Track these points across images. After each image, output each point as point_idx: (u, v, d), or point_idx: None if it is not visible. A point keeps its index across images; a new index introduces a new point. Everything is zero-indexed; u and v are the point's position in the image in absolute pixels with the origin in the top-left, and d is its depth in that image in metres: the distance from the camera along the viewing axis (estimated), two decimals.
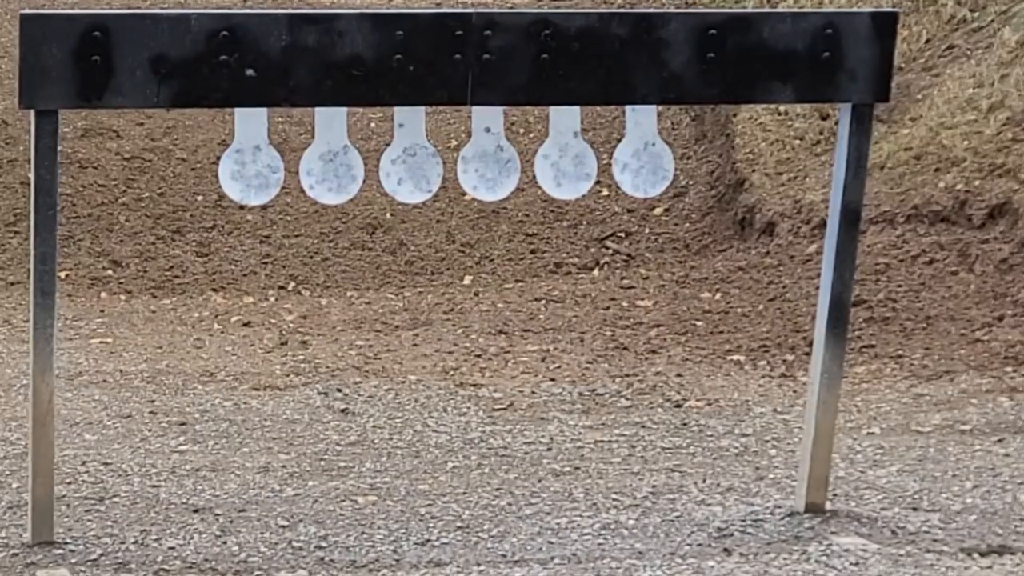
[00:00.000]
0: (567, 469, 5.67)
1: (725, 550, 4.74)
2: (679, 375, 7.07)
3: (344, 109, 4.67)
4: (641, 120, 4.81)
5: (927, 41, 9.20)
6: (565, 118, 4.78)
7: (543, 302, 8.25)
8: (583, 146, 4.80)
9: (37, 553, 4.64)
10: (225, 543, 4.79)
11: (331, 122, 4.68)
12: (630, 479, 5.51)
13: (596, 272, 8.81)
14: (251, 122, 4.63)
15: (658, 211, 9.19)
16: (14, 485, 5.34)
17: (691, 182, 9.32)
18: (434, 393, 6.76)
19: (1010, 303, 7.40)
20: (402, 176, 4.72)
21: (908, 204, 8.11)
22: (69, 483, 5.38)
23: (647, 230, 9.10)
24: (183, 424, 6.27)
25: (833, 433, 5.03)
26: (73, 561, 4.60)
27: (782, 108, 9.11)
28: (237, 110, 4.63)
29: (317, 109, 4.67)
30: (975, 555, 4.72)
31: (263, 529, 4.92)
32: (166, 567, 4.58)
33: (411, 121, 4.72)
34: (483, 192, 4.78)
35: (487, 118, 4.74)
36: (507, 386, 6.91)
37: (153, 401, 6.62)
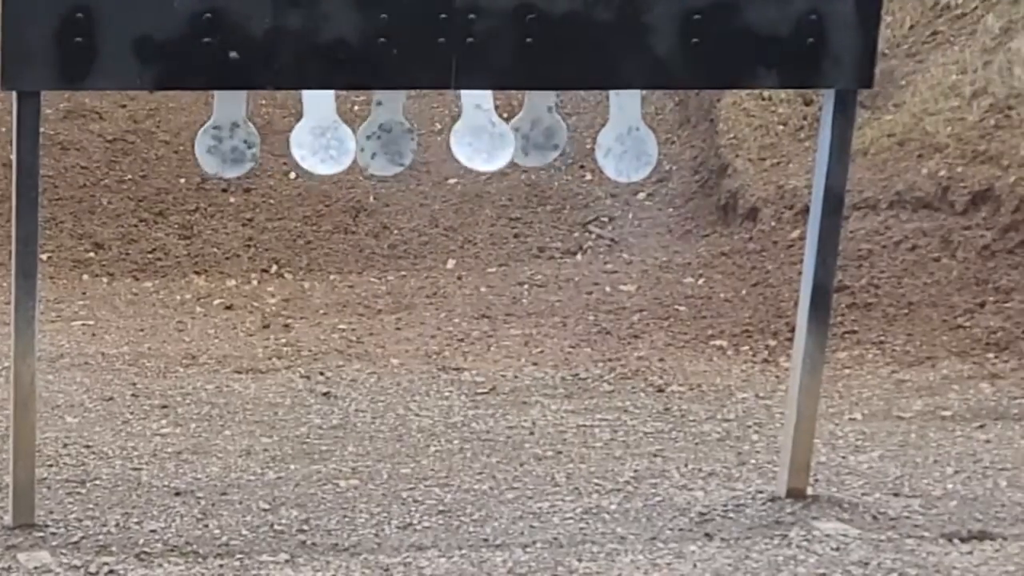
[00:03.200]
0: (549, 453, 5.67)
1: (706, 535, 4.75)
2: (661, 360, 7.08)
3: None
4: (625, 105, 4.81)
5: (911, 27, 9.21)
6: (540, 97, 4.81)
7: (526, 286, 8.25)
8: (555, 119, 4.83)
9: (18, 536, 4.64)
10: (207, 526, 4.78)
11: (318, 100, 4.69)
12: (612, 464, 5.51)
13: (579, 257, 8.81)
14: (230, 101, 4.63)
15: (641, 196, 9.19)
16: None
17: (674, 167, 9.31)
18: (417, 377, 6.76)
19: (992, 289, 7.41)
20: (376, 151, 4.75)
21: (891, 190, 8.12)
22: (50, 466, 5.37)
23: (630, 215, 9.10)
24: (165, 407, 6.26)
25: (815, 418, 5.03)
26: (54, 544, 4.59)
27: (766, 93, 9.11)
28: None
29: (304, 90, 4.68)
30: (955, 540, 4.73)
31: (245, 512, 4.91)
32: (147, 550, 4.58)
33: (390, 100, 4.74)
34: (479, 163, 4.78)
35: (477, 96, 4.75)
36: (490, 370, 6.91)
37: (135, 384, 6.61)
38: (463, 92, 4.72)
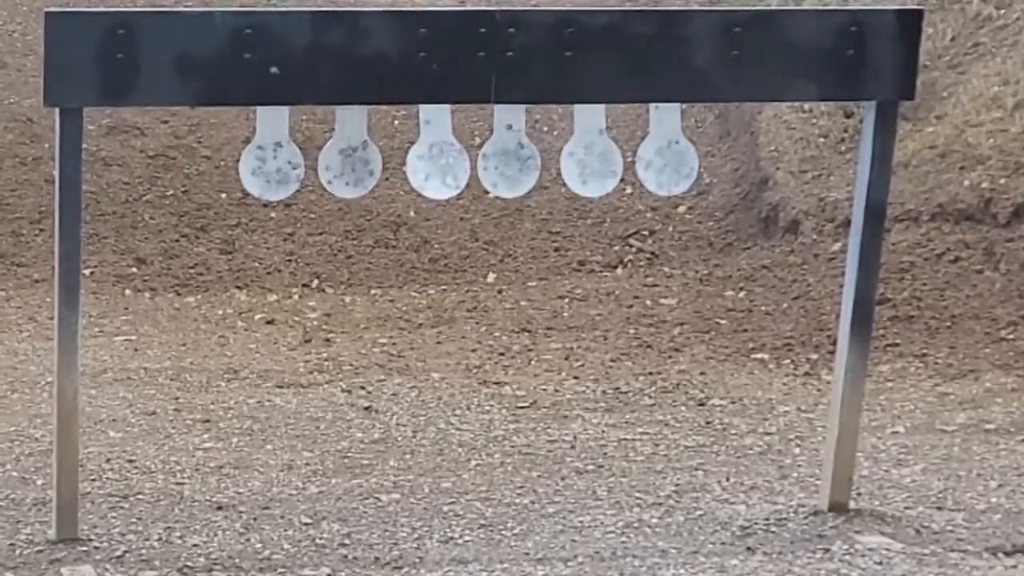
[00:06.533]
0: (590, 467, 5.67)
1: (748, 549, 4.74)
2: (702, 373, 7.06)
3: (363, 106, 4.68)
4: (665, 118, 4.80)
5: (952, 39, 9.18)
6: (590, 116, 4.78)
7: (566, 300, 8.25)
8: (608, 143, 4.80)
9: (62, 550, 4.66)
10: (248, 540, 4.79)
11: (350, 118, 4.68)
12: (653, 477, 5.51)
13: (620, 270, 8.81)
14: (272, 119, 4.63)
15: (682, 209, 9.18)
16: (39, 482, 5.35)
17: (715, 180, 9.30)
18: (457, 391, 6.77)
19: None
20: (429, 172, 4.72)
21: (933, 202, 8.09)
22: (93, 480, 5.39)
23: (671, 228, 9.09)
24: (207, 421, 6.28)
25: (857, 432, 5.01)
26: (97, 558, 4.61)
27: (807, 106, 9.09)
28: (259, 107, 4.63)
29: (337, 106, 4.67)
30: (1000, 554, 4.70)
31: (286, 526, 4.92)
32: (190, 564, 4.59)
33: (438, 118, 4.72)
34: (503, 190, 4.78)
35: (509, 115, 4.74)
36: (530, 384, 6.90)
37: (177, 398, 6.64)
38: (496, 111, 4.72)
